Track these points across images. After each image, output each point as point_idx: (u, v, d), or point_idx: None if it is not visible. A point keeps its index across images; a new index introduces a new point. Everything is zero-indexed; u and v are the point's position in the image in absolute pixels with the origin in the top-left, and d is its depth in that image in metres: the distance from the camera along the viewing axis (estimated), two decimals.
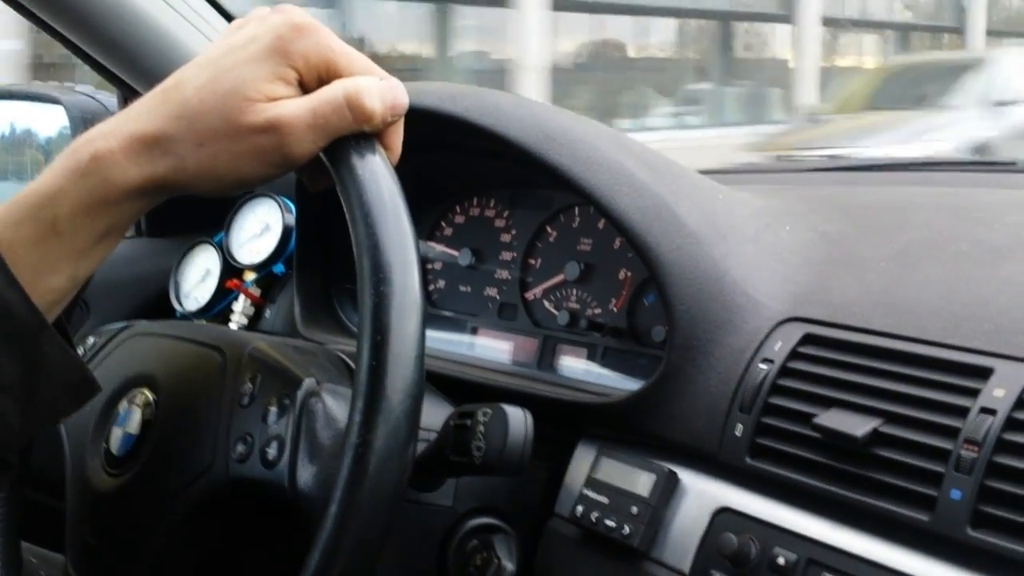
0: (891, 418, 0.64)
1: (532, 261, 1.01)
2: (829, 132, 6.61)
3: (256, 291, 1.20)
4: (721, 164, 1.40)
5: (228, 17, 1.18)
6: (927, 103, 6.69)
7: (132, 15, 1.10)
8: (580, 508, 0.77)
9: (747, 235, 0.82)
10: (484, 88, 0.92)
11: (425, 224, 1.10)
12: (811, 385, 0.69)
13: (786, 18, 12.54)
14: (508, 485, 0.79)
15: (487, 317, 1.03)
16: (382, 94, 0.60)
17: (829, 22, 12.97)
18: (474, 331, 1.04)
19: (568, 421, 0.83)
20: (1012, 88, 6.58)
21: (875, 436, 0.64)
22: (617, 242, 0.94)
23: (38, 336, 0.56)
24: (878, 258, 0.78)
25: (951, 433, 0.61)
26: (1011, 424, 0.59)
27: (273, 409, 0.72)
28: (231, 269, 1.21)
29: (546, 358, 0.96)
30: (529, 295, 1.00)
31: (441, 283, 1.08)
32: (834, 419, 0.65)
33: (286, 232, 1.17)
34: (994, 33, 15.25)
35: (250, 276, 1.20)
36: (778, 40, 12.92)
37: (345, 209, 0.58)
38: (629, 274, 0.92)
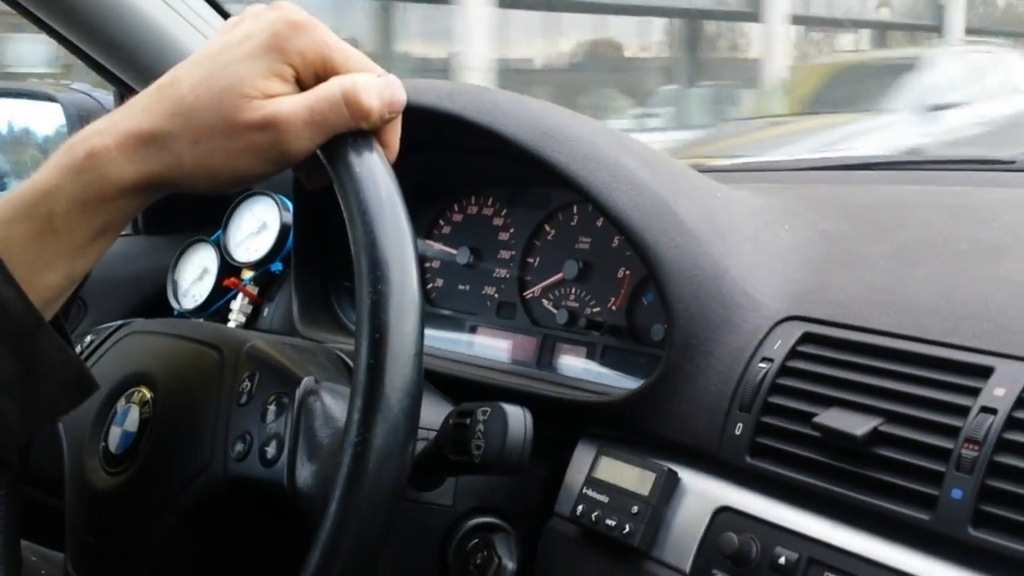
0: (891, 417, 0.64)
1: (531, 260, 1.01)
2: (748, 140, 6.03)
3: (254, 289, 1.19)
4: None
5: (224, 14, 1.18)
6: (860, 106, 6.22)
7: (129, 13, 1.10)
8: (580, 507, 0.77)
9: (746, 234, 0.82)
10: (482, 86, 0.91)
11: (423, 222, 1.09)
12: (811, 384, 0.69)
13: (753, 16, 12.39)
14: (508, 484, 0.79)
15: (486, 316, 1.03)
16: (379, 91, 0.60)
17: (800, 20, 12.81)
18: (473, 330, 1.04)
19: (568, 420, 0.83)
20: (949, 91, 6.18)
21: (875, 435, 0.63)
22: (616, 240, 0.93)
23: (35, 334, 0.56)
24: (877, 257, 0.78)
25: (952, 432, 0.61)
26: (1012, 423, 0.59)
27: (272, 408, 0.72)
28: (229, 267, 1.21)
29: (545, 357, 0.96)
30: (528, 294, 1.00)
31: (439, 282, 1.08)
32: (834, 418, 0.65)
33: (284, 230, 1.17)
34: (974, 32, 15.18)
35: (248, 274, 1.20)
36: (747, 39, 12.75)
37: (343, 207, 0.58)
38: (628, 272, 0.92)
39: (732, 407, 0.71)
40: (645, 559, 0.73)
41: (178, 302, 1.24)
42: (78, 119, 1.28)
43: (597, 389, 0.86)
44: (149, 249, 1.32)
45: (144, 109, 0.58)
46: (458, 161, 1.04)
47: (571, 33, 11.10)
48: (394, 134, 0.63)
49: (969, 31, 14.98)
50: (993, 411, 0.60)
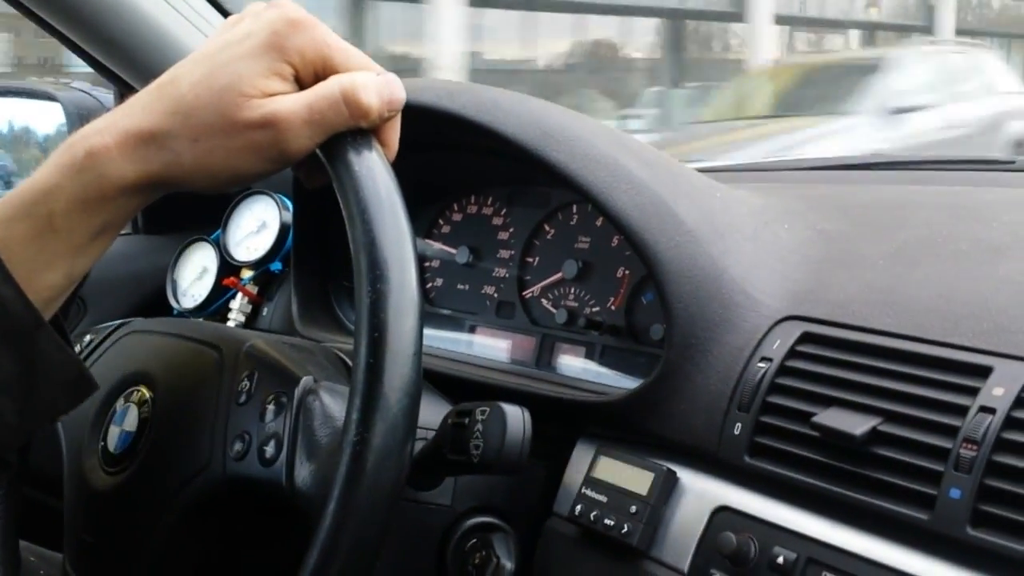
0: (890, 417, 0.64)
1: (530, 259, 1.01)
2: (704, 145, 5.67)
3: (253, 289, 1.19)
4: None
5: (224, 12, 1.18)
6: (822, 108, 5.96)
7: (129, 11, 1.10)
8: (579, 507, 0.77)
9: (746, 233, 0.82)
10: (482, 85, 0.91)
11: (423, 222, 1.09)
12: (810, 384, 0.69)
13: (738, 16, 12.21)
14: (507, 484, 0.79)
15: (485, 315, 1.03)
16: (379, 89, 0.60)
17: (785, 20, 12.61)
18: (472, 329, 1.04)
19: (567, 420, 0.83)
20: (915, 93, 5.90)
21: (874, 435, 0.63)
22: (615, 240, 0.93)
23: (35, 333, 0.56)
24: (877, 256, 0.78)
25: (950, 432, 0.61)
26: (1010, 423, 0.59)
27: (270, 407, 0.72)
28: (228, 267, 1.21)
29: (544, 356, 0.96)
30: (527, 293, 1.00)
31: (439, 281, 1.08)
32: (833, 418, 0.65)
33: (283, 229, 1.17)
34: (967, 32, 15.04)
35: (247, 274, 1.20)
36: (737, 40, 12.51)
37: (342, 205, 0.58)
38: (627, 272, 0.92)
39: (731, 407, 0.71)
40: (644, 559, 0.73)
41: (177, 301, 1.24)
42: (78, 118, 1.28)
43: (596, 389, 0.86)
44: (149, 248, 1.32)
45: (144, 108, 0.58)
46: (458, 160, 1.04)
47: (552, 33, 10.89)
48: (393, 133, 0.63)
49: (961, 31, 14.84)
50: (992, 411, 0.60)
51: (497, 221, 1.04)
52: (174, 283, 1.25)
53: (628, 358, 0.90)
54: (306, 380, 0.72)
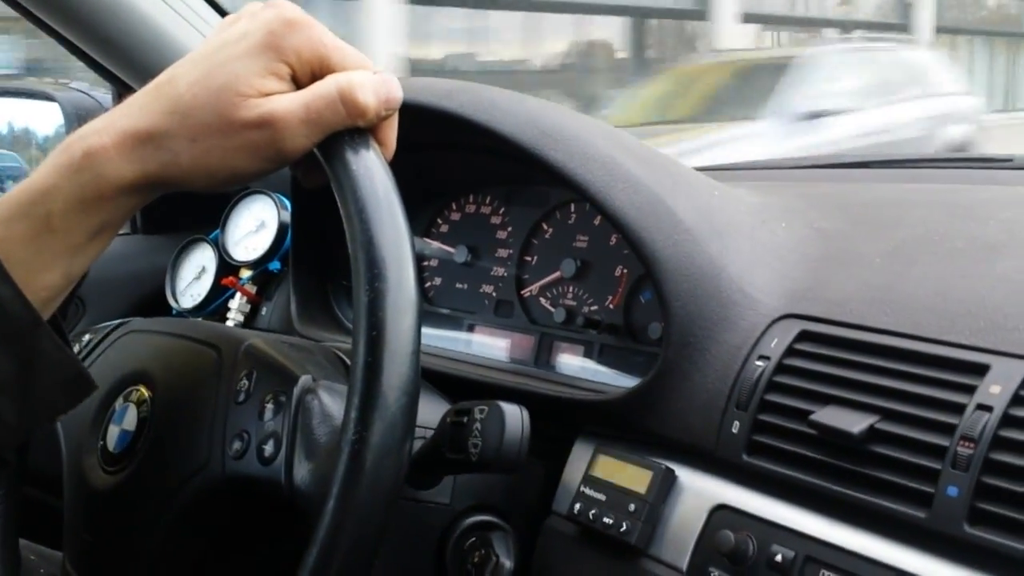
0: (887, 415, 0.64)
1: (528, 258, 1.01)
2: None
3: (252, 288, 1.19)
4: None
5: (221, 12, 1.18)
6: (729, 113, 5.47)
7: (127, 11, 1.10)
8: (578, 505, 0.77)
9: (743, 232, 0.82)
10: (479, 84, 0.91)
11: (421, 221, 1.10)
12: (807, 382, 0.69)
13: (700, 15, 11.68)
14: (505, 483, 0.79)
15: (483, 314, 1.03)
16: (376, 88, 0.60)
17: (752, 18, 12.23)
18: (470, 328, 1.04)
19: (565, 418, 0.83)
20: (828, 96, 5.39)
21: (871, 433, 0.63)
22: (613, 239, 0.94)
23: (33, 333, 0.56)
24: (874, 255, 0.78)
25: (947, 430, 0.61)
26: (1007, 420, 0.59)
27: (269, 406, 0.72)
28: (227, 266, 1.21)
29: (543, 355, 0.96)
30: (525, 292, 1.00)
31: (437, 280, 1.08)
32: (830, 416, 0.65)
33: (282, 229, 1.17)
34: (947, 30, 14.75)
35: (246, 273, 1.20)
36: (705, 39, 12.08)
37: (340, 205, 0.58)
38: (625, 271, 0.92)
39: (729, 405, 0.71)
40: (642, 557, 0.73)
41: (176, 301, 1.24)
42: (76, 118, 1.28)
43: (594, 387, 0.86)
44: (147, 248, 1.32)
45: (141, 108, 0.58)
46: (456, 160, 1.04)
47: (507, 32, 10.48)
48: (391, 132, 0.63)
49: (942, 30, 14.63)
50: (989, 408, 0.60)
51: (495, 220, 1.04)
52: (173, 283, 1.25)
53: (626, 357, 0.90)
54: (305, 379, 0.72)
